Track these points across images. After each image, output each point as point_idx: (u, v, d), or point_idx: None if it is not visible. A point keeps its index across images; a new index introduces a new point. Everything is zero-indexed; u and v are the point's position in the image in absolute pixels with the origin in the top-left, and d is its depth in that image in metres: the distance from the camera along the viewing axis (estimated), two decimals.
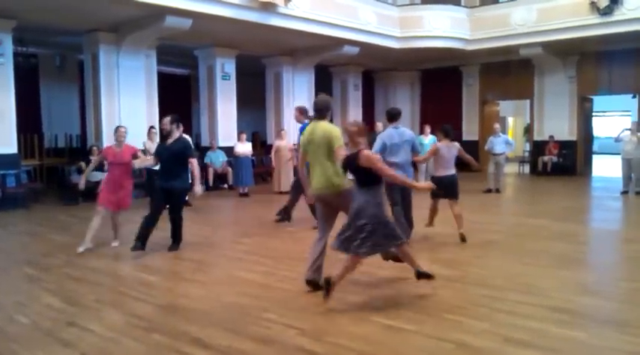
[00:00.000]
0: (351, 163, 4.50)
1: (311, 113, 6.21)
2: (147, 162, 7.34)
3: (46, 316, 4.37)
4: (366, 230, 4.36)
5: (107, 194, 6.86)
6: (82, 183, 7.43)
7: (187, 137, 10.62)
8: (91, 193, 11.42)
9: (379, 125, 11.65)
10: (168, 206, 6.67)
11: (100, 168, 11.39)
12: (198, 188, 6.86)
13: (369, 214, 4.38)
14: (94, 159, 7.05)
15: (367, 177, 4.46)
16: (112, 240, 7.03)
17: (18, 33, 11.18)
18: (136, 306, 4.61)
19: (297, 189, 7.62)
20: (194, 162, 6.68)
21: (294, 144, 11.23)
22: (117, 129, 7.11)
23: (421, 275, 4.73)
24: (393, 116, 6.66)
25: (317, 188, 4.88)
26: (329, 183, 4.80)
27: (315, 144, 4.87)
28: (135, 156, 6.96)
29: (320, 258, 4.91)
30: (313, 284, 4.83)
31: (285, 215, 8.58)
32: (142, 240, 6.32)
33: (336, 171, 4.79)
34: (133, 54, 12.35)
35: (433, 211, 7.26)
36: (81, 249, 6.60)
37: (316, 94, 16.71)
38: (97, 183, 11.27)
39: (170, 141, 6.65)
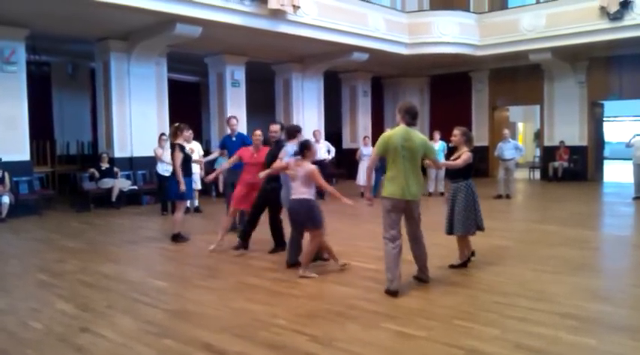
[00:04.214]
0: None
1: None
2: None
3: (59, 322, 4.42)
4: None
5: (242, 194, 7.08)
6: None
7: (197, 143, 10.75)
8: (102, 200, 11.59)
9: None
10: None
11: (110, 174, 11.55)
12: None
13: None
14: (233, 158, 7.44)
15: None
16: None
17: (31, 41, 11.35)
18: (148, 312, 4.64)
19: None
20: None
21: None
22: (253, 132, 7.31)
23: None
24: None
25: (413, 195, 5.00)
26: (419, 191, 5.08)
27: (412, 150, 4.99)
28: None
29: (400, 265, 5.05)
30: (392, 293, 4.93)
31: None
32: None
33: (421, 180, 5.12)
34: (143, 61, 12.48)
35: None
36: (212, 247, 7.03)
37: (326, 101, 17.00)
38: (109, 190, 11.43)
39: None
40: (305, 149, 5.80)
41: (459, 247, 6.01)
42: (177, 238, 7.73)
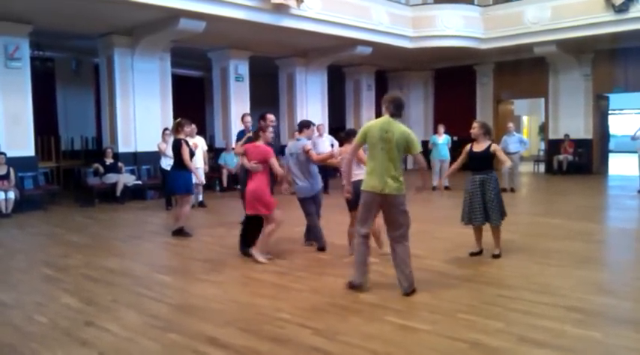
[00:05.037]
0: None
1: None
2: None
3: (64, 316, 4.44)
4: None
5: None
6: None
7: (201, 138, 10.75)
8: (106, 195, 11.62)
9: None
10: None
11: (114, 169, 11.57)
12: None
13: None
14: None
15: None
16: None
17: (34, 37, 11.34)
18: (152, 306, 4.66)
19: None
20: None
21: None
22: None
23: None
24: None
25: (390, 188, 4.69)
26: (398, 186, 4.74)
27: (391, 142, 4.73)
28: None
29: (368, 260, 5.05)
30: (355, 287, 4.91)
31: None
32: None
33: (400, 174, 4.80)
34: (147, 56, 12.48)
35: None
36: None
37: (330, 95, 16.97)
38: (113, 185, 11.45)
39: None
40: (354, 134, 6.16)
41: (495, 237, 6.11)
42: (179, 233, 7.72)
